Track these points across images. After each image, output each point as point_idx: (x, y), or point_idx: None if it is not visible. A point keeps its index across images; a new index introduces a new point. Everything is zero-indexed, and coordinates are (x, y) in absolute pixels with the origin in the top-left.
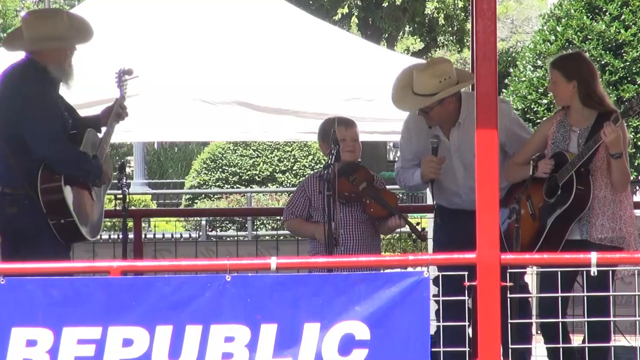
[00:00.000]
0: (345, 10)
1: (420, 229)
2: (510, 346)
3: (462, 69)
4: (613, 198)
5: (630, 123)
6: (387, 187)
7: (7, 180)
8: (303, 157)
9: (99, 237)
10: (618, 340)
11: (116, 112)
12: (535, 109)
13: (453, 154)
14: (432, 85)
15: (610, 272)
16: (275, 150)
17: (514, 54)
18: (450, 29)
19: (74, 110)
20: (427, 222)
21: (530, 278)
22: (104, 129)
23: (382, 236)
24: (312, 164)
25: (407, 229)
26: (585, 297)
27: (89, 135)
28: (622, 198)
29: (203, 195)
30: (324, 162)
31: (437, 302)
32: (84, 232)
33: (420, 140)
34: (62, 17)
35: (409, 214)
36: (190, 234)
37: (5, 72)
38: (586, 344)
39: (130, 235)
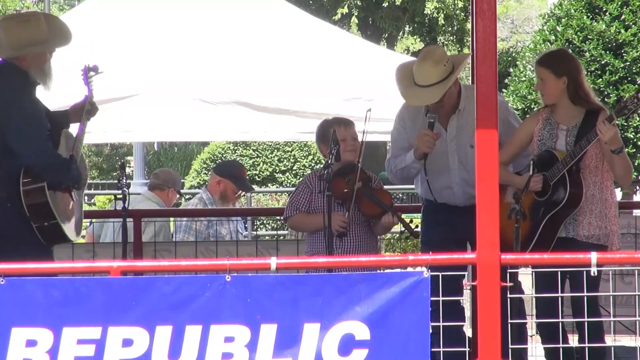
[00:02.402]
0: (345, 10)
1: (413, 226)
2: (510, 346)
3: (452, 55)
4: (600, 196)
5: (630, 123)
6: (386, 187)
7: None
8: (303, 157)
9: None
10: (618, 341)
11: (87, 110)
12: (535, 108)
13: (449, 142)
14: (439, 72)
15: (600, 271)
16: (275, 150)
17: (514, 54)
18: (450, 29)
19: (49, 111)
20: None
21: (531, 278)
22: (74, 126)
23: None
24: (312, 164)
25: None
26: (574, 297)
27: (64, 136)
28: (607, 196)
29: None
30: (323, 162)
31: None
32: (67, 233)
33: (416, 128)
34: (41, 21)
35: (407, 214)
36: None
37: None
38: (586, 344)
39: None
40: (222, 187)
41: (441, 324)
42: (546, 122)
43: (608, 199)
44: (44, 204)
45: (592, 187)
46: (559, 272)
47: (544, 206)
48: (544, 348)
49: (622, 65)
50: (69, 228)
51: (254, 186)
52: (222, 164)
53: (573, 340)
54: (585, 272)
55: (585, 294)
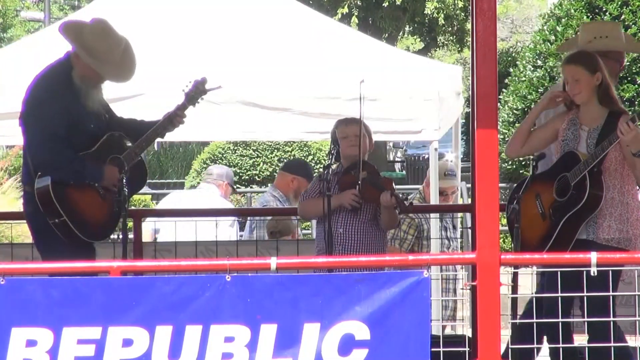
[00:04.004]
0: (345, 10)
1: (407, 203)
2: (510, 346)
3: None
4: (620, 200)
5: None
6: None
7: (26, 179)
8: (303, 157)
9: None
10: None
11: (168, 118)
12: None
13: None
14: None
15: (613, 273)
16: (275, 150)
17: (514, 54)
18: (450, 29)
19: (109, 112)
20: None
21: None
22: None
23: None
24: (312, 164)
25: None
26: (585, 298)
27: (108, 138)
28: (629, 200)
29: None
30: (323, 162)
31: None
32: (78, 232)
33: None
34: (119, 48)
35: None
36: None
37: (40, 73)
38: (587, 345)
39: (130, 235)
40: (295, 185)
41: (441, 323)
42: (571, 122)
43: (630, 202)
44: (49, 200)
45: (612, 190)
46: (559, 272)
47: (564, 207)
48: (549, 348)
49: None
50: (82, 227)
51: (254, 186)
52: (293, 162)
53: (577, 341)
54: (596, 273)
55: (585, 294)
